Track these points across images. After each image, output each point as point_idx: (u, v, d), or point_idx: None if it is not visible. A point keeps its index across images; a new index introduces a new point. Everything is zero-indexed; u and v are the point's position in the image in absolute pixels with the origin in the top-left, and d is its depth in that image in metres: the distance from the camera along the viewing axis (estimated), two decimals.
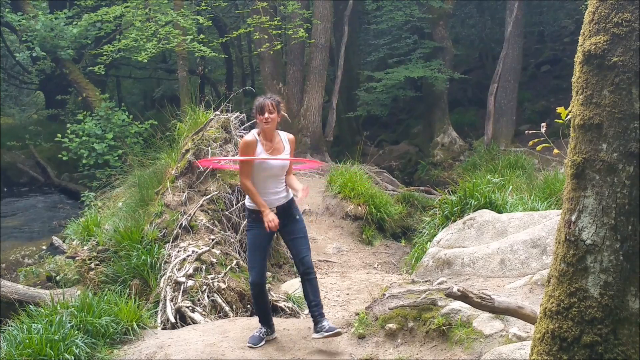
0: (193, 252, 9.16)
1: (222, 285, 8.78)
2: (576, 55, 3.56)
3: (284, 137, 7.08)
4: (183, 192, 10.27)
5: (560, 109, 5.15)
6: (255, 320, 7.69)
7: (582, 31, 3.53)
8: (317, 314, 7.05)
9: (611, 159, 3.35)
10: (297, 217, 7.12)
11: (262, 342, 6.97)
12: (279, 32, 19.73)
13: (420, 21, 22.98)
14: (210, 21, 21.90)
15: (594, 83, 3.42)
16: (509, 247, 8.16)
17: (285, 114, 7.50)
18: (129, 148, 17.83)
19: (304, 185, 6.99)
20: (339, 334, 6.91)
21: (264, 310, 7.14)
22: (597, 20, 3.43)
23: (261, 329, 7.09)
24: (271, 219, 6.77)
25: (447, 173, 20.64)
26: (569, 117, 3.71)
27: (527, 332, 5.91)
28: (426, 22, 23.12)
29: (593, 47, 3.42)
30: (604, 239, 3.39)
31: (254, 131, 6.98)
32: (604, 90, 3.38)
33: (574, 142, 3.52)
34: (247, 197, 7.09)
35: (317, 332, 7.00)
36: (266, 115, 6.80)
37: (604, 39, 3.39)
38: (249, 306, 8.90)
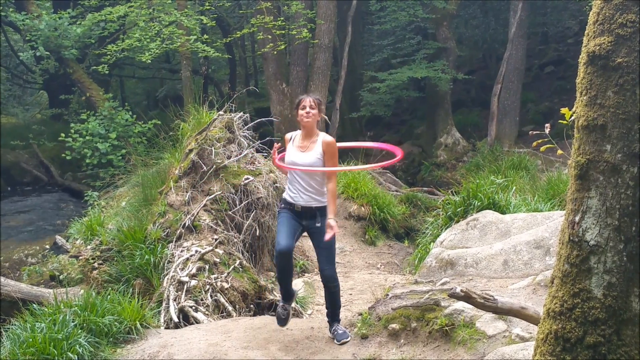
0: (196, 251, 9.16)
1: (225, 285, 8.79)
2: (580, 56, 3.56)
3: (320, 139, 6.99)
4: (186, 191, 10.28)
5: (564, 110, 5.16)
6: (258, 320, 7.72)
7: (586, 32, 3.53)
8: (328, 320, 7.29)
9: (615, 159, 3.35)
10: (318, 225, 6.98)
11: (289, 322, 7.21)
12: (283, 32, 19.71)
13: (423, 22, 22.97)
14: (214, 21, 21.93)
15: (598, 84, 3.42)
16: (512, 248, 8.15)
17: (325, 117, 7.50)
18: (133, 148, 17.86)
19: (334, 223, 6.85)
20: (344, 343, 7.01)
21: (289, 280, 7.16)
22: (602, 21, 3.43)
23: (284, 305, 7.15)
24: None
25: (450, 174, 20.63)
26: (573, 118, 3.71)
27: (530, 333, 5.91)
28: (430, 22, 23.10)
29: (597, 48, 3.42)
30: (608, 240, 3.39)
31: (298, 131, 7.09)
32: (608, 91, 3.38)
33: (578, 143, 3.52)
34: None
35: (330, 332, 7.22)
36: (307, 109, 6.86)
37: (608, 40, 3.39)
38: (252, 306, 8.92)
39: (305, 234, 7.21)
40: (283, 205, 7.09)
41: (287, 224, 6.98)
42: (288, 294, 7.17)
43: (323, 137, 7.04)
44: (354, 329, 7.20)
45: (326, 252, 7.02)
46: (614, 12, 3.38)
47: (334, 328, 7.13)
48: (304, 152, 6.93)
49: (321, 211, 6.98)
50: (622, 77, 3.34)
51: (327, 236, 6.74)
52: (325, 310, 7.33)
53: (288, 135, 7.13)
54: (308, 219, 6.99)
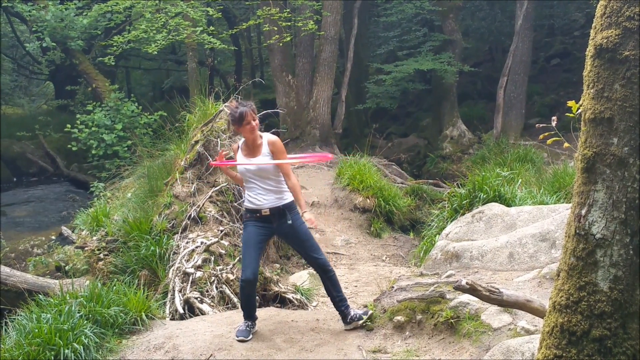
0: (202, 243, 9.17)
1: (231, 277, 8.79)
2: (588, 49, 3.55)
3: (265, 140, 7.03)
4: (192, 183, 10.28)
5: (571, 103, 5.14)
6: (263, 311, 7.71)
7: (593, 25, 3.52)
8: (343, 308, 7.18)
9: (622, 153, 3.35)
10: (290, 222, 6.97)
11: (251, 336, 6.97)
12: (289, 24, 19.69)
13: (430, 14, 22.92)
14: (220, 13, 21.91)
15: (606, 77, 3.41)
16: (517, 241, 8.14)
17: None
18: (138, 139, 17.86)
19: (311, 216, 6.98)
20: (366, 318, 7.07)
21: (252, 306, 7.12)
22: (609, 14, 3.41)
23: (246, 322, 7.07)
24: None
25: (455, 166, 20.61)
26: (579, 110, 3.70)
27: (536, 326, 5.90)
28: (436, 14, 23.06)
29: (605, 40, 3.41)
30: (614, 233, 3.39)
31: (242, 139, 7.11)
32: (615, 84, 3.37)
33: (585, 136, 3.51)
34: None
35: (348, 323, 7.13)
36: (252, 123, 6.86)
37: (615, 33, 3.38)
38: (257, 297, 8.92)
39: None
40: (248, 215, 7.06)
41: (253, 243, 6.98)
42: (251, 316, 7.13)
43: (267, 137, 7.07)
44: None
45: (310, 243, 7.07)
46: (622, 5, 3.37)
47: (353, 313, 7.10)
48: (251, 157, 6.96)
49: (288, 208, 7.00)
50: (629, 70, 3.33)
51: (309, 225, 6.82)
52: (332, 302, 7.28)
53: (235, 145, 7.17)
54: (277, 220, 6.97)
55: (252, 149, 6.98)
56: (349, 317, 7.11)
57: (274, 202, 6.92)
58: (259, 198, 6.91)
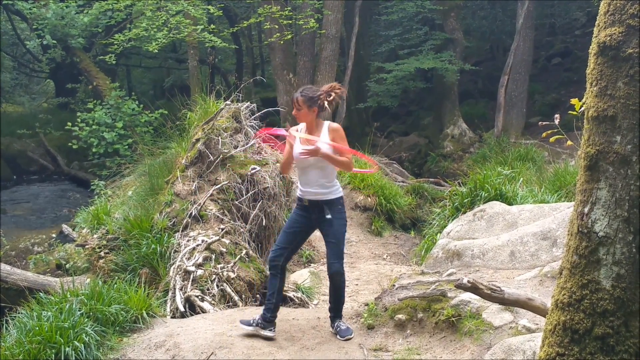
0: (203, 241, 9.16)
1: (232, 275, 8.79)
2: (591, 47, 3.54)
3: (325, 127, 6.94)
4: (193, 181, 10.27)
5: (574, 101, 5.15)
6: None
7: (597, 22, 3.51)
8: (330, 315, 7.13)
9: (625, 151, 3.34)
10: (328, 216, 6.85)
11: (251, 328, 6.87)
12: (290, 22, 19.64)
13: (431, 12, 22.94)
14: (221, 11, 21.90)
15: (609, 75, 3.40)
16: (519, 239, 8.14)
17: (326, 105, 7.16)
18: (139, 137, 17.85)
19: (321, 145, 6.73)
20: (348, 339, 6.90)
21: (272, 293, 6.93)
22: (613, 12, 3.41)
23: (254, 318, 6.95)
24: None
25: (456, 165, 20.64)
26: (582, 108, 3.70)
27: (537, 324, 5.90)
28: (437, 13, 23.07)
29: (608, 38, 3.41)
30: (617, 231, 3.38)
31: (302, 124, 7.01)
32: (619, 82, 3.36)
33: (588, 133, 3.51)
34: None
35: (333, 328, 7.11)
36: (294, 112, 6.87)
37: (619, 31, 3.37)
38: (258, 296, 8.92)
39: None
40: (298, 203, 7.05)
41: (286, 228, 7.02)
42: (268, 311, 6.94)
43: (328, 124, 6.99)
44: (360, 319, 7.20)
45: (335, 247, 6.89)
46: (625, 3, 3.36)
47: (336, 324, 7.02)
48: (311, 142, 6.80)
49: (329, 204, 6.86)
50: (632, 68, 3.33)
51: (319, 146, 6.67)
52: (329, 305, 7.25)
53: (294, 128, 7.03)
54: (317, 213, 6.88)
55: (311, 134, 6.87)
56: (334, 325, 7.05)
57: (317, 196, 6.84)
58: (305, 187, 6.88)
